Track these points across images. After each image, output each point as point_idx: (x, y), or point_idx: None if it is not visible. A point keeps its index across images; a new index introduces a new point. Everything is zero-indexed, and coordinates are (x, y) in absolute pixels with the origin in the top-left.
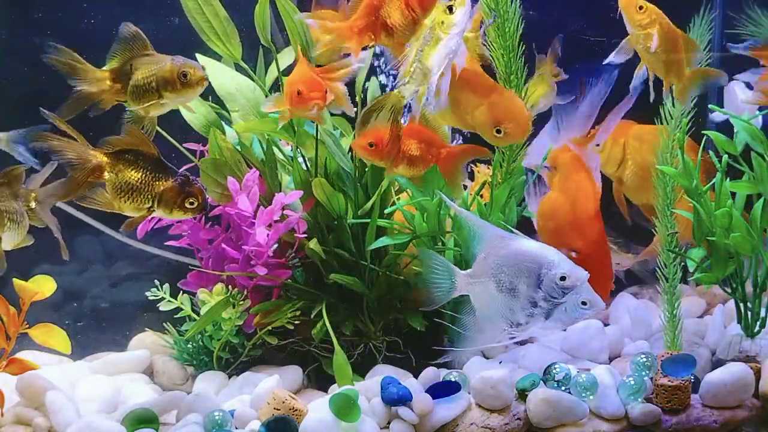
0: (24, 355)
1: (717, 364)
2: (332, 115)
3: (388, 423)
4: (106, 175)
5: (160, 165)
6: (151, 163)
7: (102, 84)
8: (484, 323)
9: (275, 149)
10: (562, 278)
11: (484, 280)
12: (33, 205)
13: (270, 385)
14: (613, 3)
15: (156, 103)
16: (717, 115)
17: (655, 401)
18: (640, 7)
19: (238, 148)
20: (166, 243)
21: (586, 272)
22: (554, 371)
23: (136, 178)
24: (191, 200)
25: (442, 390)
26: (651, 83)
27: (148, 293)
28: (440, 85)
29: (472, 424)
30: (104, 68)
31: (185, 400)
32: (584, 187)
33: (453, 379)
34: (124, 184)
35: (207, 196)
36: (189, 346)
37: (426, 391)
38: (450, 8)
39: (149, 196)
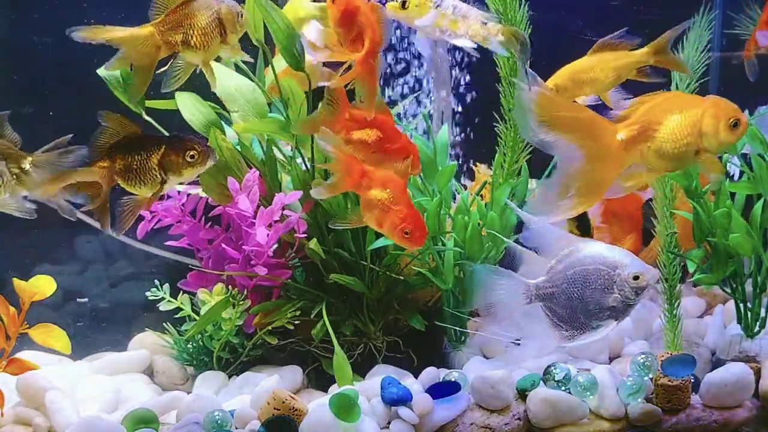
0: (24, 355)
1: (717, 364)
2: None
3: (388, 423)
4: (116, 177)
5: (148, 138)
6: (139, 140)
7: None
8: (554, 329)
9: (275, 149)
10: (635, 278)
11: (556, 287)
12: (27, 167)
13: (270, 385)
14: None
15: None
16: None
17: (655, 401)
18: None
19: (238, 148)
20: (166, 243)
21: (658, 271)
22: (554, 371)
23: (136, 161)
24: (191, 153)
25: (442, 390)
26: None
27: (148, 293)
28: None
29: (472, 424)
30: (147, 24)
31: (185, 400)
32: None
33: (453, 379)
34: (130, 171)
35: (207, 144)
36: (189, 346)
37: (426, 391)
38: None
39: (155, 170)
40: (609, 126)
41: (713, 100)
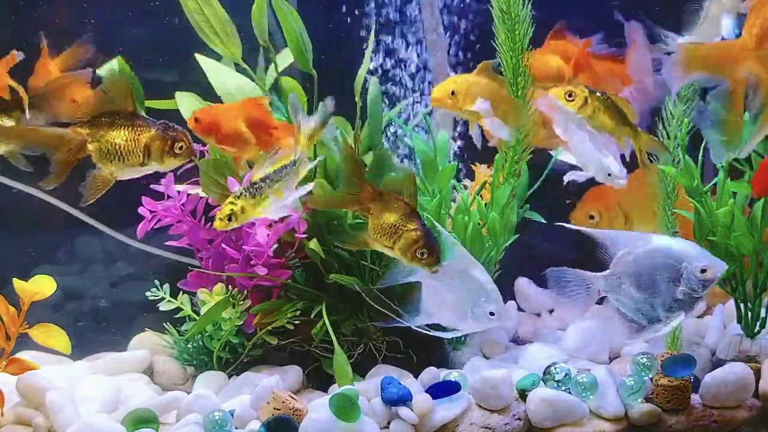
0: (24, 355)
1: (717, 364)
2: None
3: (388, 423)
4: (90, 146)
5: (138, 118)
6: (130, 118)
7: None
8: (624, 322)
9: None
10: (703, 271)
11: (623, 279)
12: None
13: (270, 385)
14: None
15: None
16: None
17: (655, 401)
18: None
19: None
20: (166, 243)
21: (725, 263)
22: (554, 371)
23: (120, 138)
24: (179, 144)
25: (442, 390)
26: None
27: (148, 293)
28: None
29: (472, 424)
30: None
31: (185, 400)
32: None
33: (453, 379)
34: (110, 148)
35: (191, 137)
36: (189, 346)
37: (426, 391)
38: None
39: (138, 152)
40: (737, 43)
41: None
